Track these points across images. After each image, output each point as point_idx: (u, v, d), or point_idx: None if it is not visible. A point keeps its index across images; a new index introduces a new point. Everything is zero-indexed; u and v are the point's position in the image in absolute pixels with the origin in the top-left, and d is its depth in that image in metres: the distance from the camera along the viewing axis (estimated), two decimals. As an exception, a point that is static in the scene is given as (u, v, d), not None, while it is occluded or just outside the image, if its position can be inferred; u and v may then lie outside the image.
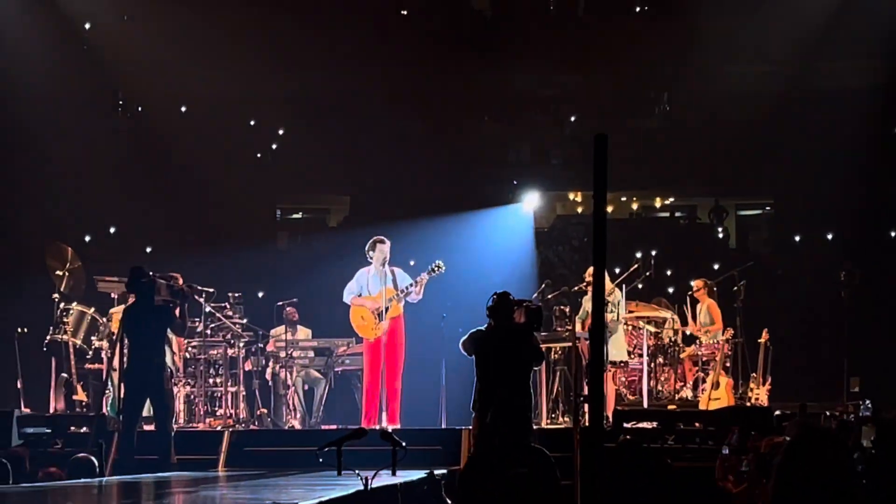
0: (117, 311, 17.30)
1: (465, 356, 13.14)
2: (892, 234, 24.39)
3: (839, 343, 19.58)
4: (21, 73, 21.35)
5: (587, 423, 15.15)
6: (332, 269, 19.41)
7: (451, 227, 21.87)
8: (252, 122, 25.39)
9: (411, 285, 16.36)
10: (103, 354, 17.19)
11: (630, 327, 17.74)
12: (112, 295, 17.79)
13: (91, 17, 22.87)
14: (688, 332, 18.32)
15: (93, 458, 12.97)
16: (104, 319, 17.38)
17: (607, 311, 16.87)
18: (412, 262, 17.78)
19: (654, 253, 22.28)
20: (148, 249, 22.39)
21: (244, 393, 17.67)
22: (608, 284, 17.56)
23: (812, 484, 4.26)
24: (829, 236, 24.78)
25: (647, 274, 19.31)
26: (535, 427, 15.43)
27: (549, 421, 17.13)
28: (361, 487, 8.69)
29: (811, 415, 14.87)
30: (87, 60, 22.77)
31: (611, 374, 17.11)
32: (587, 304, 17.28)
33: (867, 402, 14.98)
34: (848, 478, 4.21)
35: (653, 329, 17.86)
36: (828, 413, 15.24)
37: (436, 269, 16.29)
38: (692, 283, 18.79)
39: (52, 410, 17.01)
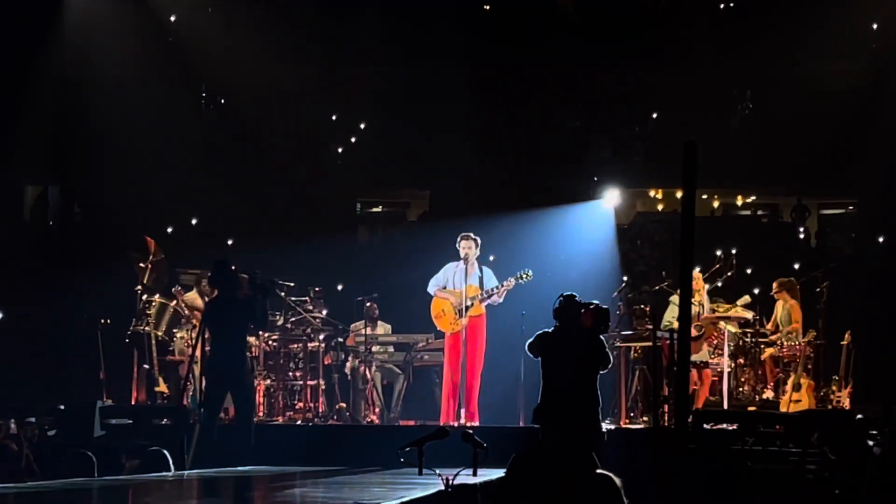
0: (190, 298, 17.52)
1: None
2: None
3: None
4: (107, 65, 21.55)
5: (665, 423, 15.13)
6: (411, 263, 19.40)
7: (530, 223, 21.76)
8: (334, 117, 25.47)
9: (495, 288, 16.31)
10: (185, 346, 17.32)
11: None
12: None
13: (176, 10, 23.03)
14: (767, 333, 18.15)
15: (165, 451, 13.06)
16: (186, 312, 17.50)
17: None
18: (492, 258, 17.73)
19: (734, 251, 22.07)
20: (229, 242, 22.48)
21: (323, 387, 17.72)
22: (699, 284, 17.49)
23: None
24: (914, 237, 24.48)
25: (729, 273, 19.16)
26: (613, 427, 15.42)
27: (627, 420, 17.06)
28: (442, 487, 8.69)
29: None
30: (172, 53, 22.92)
31: (704, 374, 17.05)
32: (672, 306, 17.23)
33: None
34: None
35: (733, 329, 17.72)
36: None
37: (524, 276, 16.21)
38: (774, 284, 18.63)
39: (133, 402, 17.17)
